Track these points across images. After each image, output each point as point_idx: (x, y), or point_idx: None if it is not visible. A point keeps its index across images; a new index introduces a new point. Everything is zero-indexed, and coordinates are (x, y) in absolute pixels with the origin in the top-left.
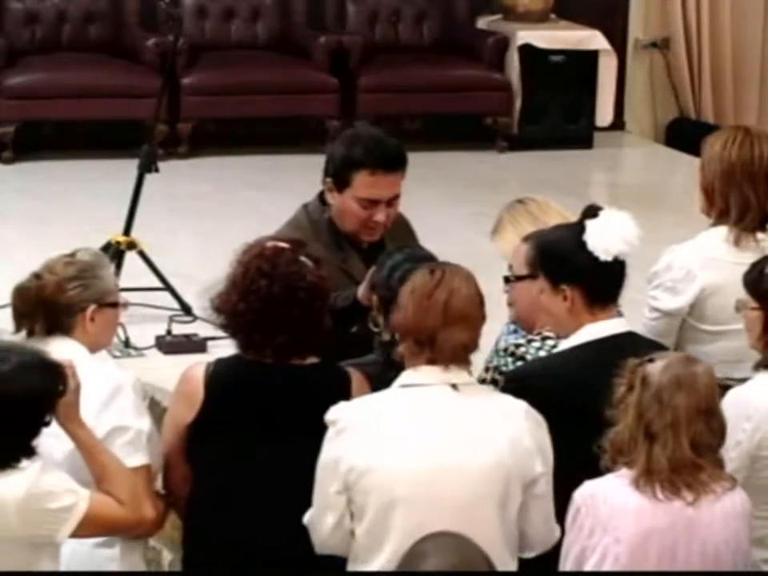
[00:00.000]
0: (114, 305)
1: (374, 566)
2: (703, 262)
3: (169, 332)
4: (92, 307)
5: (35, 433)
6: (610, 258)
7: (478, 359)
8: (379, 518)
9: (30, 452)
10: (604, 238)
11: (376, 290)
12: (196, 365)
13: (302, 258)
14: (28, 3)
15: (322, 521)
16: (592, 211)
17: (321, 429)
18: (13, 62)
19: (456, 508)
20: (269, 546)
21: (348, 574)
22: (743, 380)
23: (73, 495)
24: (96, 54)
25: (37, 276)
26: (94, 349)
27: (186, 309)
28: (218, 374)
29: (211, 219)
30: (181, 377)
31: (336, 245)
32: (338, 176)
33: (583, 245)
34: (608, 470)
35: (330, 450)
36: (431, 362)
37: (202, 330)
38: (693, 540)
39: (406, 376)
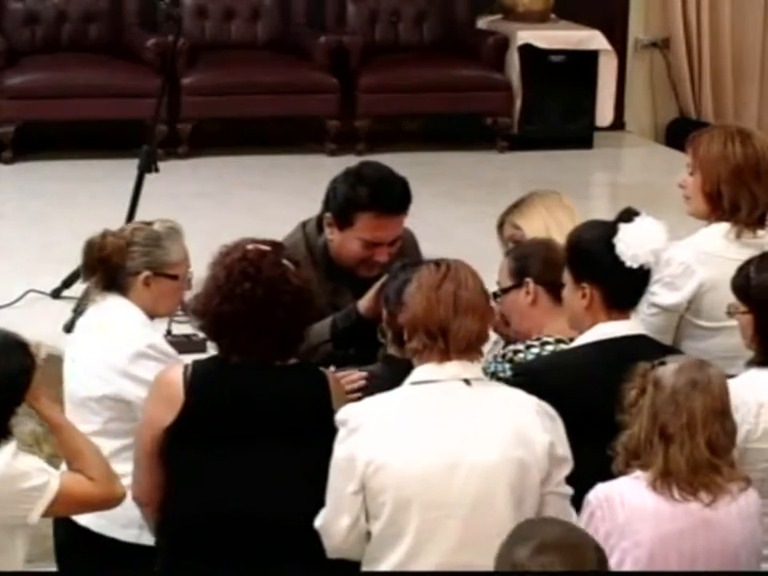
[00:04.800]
0: (173, 277)
1: (387, 565)
2: (701, 258)
3: (168, 332)
4: (146, 273)
5: (11, 413)
6: (635, 266)
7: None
8: (395, 516)
9: (7, 433)
10: (634, 246)
11: (387, 305)
12: (171, 367)
13: (285, 261)
14: (28, 3)
15: (337, 524)
16: (628, 215)
17: (303, 429)
18: (13, 62)
19: (469, 505)
20: (256, 549)
21: (367, 574)
22: None
23: (44, 474)
24: (96, 53)
25: (104, 235)
26: (150, 314)
27: (186, 309)
28: (199, 377)
29: (211, 219)
30: (156, 380)
31: (329, 274)
32: (341, 215)
33: (612, 247)
34: (620, 474)
35: (344, 450)
36: (444, 353)
37: None
38: (712, 542)
39: (417, 373)
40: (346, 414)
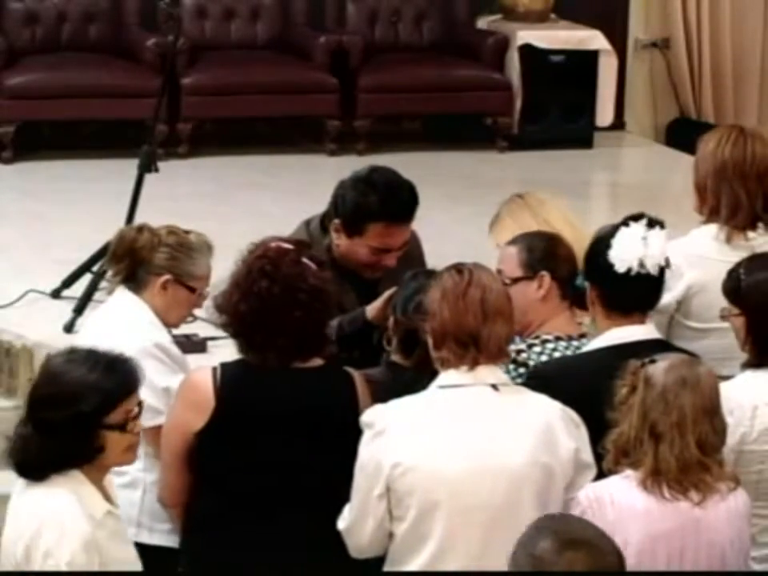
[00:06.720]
0: (191, 289)
1: (412, 567)
2: (691, 260)
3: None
4: (167, 276)
5: (91, 432)
6: (623, 270)
7: None
8: (421, 519)
9: (82, 456)
10: (623, 250)
11: (395, 313)
12: (199, 371)
13: (305, 260)
14: (28, 3)
15: (362, 526)
16: (630, 219)
17: (331, 431)
18: (13, 62)
19: (495, 510)
20: (290, 546)
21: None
22: (730, 378)
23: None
24: (96, 53)
25: (140, 228)
26: (161, 319)
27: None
28: (228, 381)
29: (211, 219)
30: (185, 383)
31: (333, 274)
32: (350, 222)
33: (610, 248)
34: (610, 472)
35: (369, 453)
36: (475, 362)
37: (201, 330)
38: (700, 541)
39: (444, 377)
40: (372, 417)
